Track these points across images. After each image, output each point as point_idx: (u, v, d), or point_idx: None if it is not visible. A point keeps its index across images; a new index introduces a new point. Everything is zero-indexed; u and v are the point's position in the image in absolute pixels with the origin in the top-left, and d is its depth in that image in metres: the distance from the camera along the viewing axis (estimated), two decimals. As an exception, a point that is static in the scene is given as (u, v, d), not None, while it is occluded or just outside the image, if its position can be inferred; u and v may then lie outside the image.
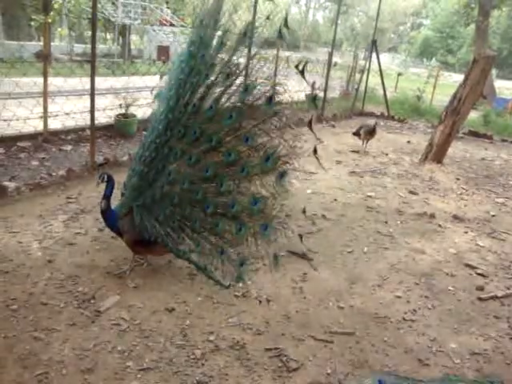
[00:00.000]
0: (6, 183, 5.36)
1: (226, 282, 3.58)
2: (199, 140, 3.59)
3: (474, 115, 14.11)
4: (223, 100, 3.61)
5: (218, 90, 3.64)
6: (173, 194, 3.60)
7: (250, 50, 3.74)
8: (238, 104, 3.54)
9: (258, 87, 3.49)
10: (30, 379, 2.75)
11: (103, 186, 3.84)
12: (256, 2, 8.86)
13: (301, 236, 4.29)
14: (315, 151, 3.56)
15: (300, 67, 3.53)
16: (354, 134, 9.86)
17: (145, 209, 3.69)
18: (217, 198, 3.55)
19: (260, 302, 3.76)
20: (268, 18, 4.13)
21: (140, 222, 3.67)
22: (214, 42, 3.74)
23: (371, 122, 9.91)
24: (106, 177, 3.82)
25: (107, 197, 3.80)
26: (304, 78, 3.52)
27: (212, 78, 3.66)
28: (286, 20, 3.68)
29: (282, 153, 3.38)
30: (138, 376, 2.88)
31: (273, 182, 3.40)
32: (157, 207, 3.65)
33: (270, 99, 3.43)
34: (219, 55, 3.71)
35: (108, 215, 3.83)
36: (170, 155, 3.66)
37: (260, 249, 3.44)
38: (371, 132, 9.43)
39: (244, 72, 3.63)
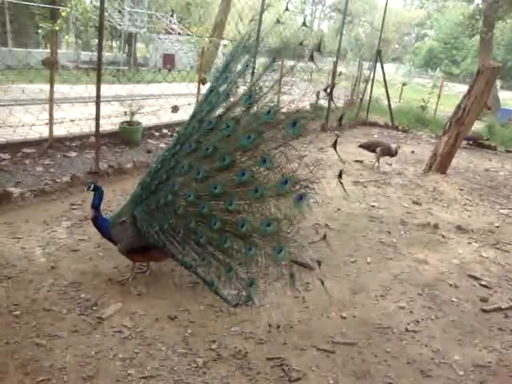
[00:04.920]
0: (11, 189, 5.39)
1: (233, 300, 3.45)
2: (211, 157, 3.53)
3: (478, 126, 14.11)
4: (243, 121, 3.54)
5: (238, 109, 3.59)
6: (177, 204, 3.56)
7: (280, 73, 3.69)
8: (259, 126, 3.46)
9: (282, 110, 3.46)
10: (32, 386, 2.75)
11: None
12: (261, 13, 8.92)
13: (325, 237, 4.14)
14: (340, 175, 3.52)
15: (328, 90, 3.58)
16: (361, 146, 9.63)
17: (148, 215, 3.69)
18: (225, 215, 3.46)
19: (270, 325, 3.64)
20: (279, 21, 4.11)
21: (143, 229, 3.67)
22: (239, 66, 3.72)
23: (380, 138, 9.82)
24: (92, 186, 3.88)
25: (95, 206, 3.85)
26: (332, 100, 3.54)
27: (232, 99, 3.63)
28: (319, 45, 3.75)
29: (300, 177, 3.28)
30: (140, 384, 2.88)
31: (289, 204, 3.28)
32: (161, 215, 3.63)
33: (295, 123, 3.37)
34: (243, 78, 3.68)
35: (99, 224, 3.89)
36: (176, 167, 3.64)
37: (273, 270, 3.32)
38: (389, 153, 9.15)
39: (267, 94, 3.55)
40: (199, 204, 3.50)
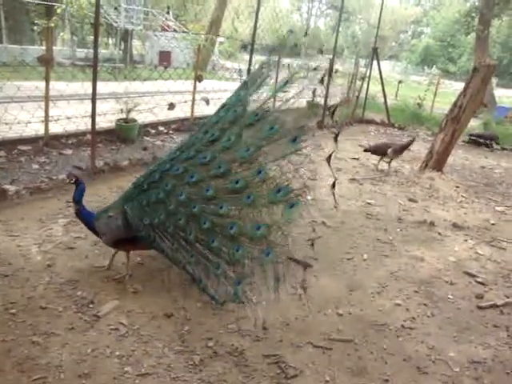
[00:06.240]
0: (7, 186, 5.37)
1: (221, 298, 3.50)
2: (207, 165, 3.63)
3: (474, 123, 14.15)
4: (245, 135, 3.66)
5: (242, 123, 3.72)
6: (168, 202, 3.62)
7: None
8: (260, 140, 3.60)
9: (285, 128, 3.60)
10: (28, 383, 2.75)
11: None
12: (258, 10, 8.90)
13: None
14: (333, 186, 3.65)
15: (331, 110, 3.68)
16: (367, 150, 9.17)
17: (139, 210, 3.73)
18: (215, 218, 3.54)
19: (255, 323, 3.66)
20: (291, 31, 4.22)
21: (134, 222, 3.71)
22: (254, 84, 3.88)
23: (384, 140, 9.59)
24: (73, 179, 3.90)
25: (76, 200, 3.86)
26: (332, 118, 3.62)
27: (239, 113, 3.77)
28: (330, 71, 3.95)
29: (295, 186, 3.41)
30: (136, 381, 2.88)
31: (281, 211, 3.39)
32: (151, 210, 3.68)
33: (295, 139, 3.51)
34: (254, 96, 3.82)
35: (82, 216, 3.91)
36: (171, 170, 3.73)
37: (260, 271, 3.38)
38: (402, 150, 8.78)
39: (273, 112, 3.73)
40: (190, 204, 3.56)
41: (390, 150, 8.65)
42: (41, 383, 2.77)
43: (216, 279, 3.46)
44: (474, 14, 25.18)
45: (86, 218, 3.90)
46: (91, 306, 3.54)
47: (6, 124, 6.90)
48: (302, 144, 3.51)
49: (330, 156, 3.68)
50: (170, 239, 3.62)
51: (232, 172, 3.58)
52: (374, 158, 9.15)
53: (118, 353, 3.10)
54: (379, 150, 8.92)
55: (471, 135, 13.59)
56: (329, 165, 3.62)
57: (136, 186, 3.88)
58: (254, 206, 3.47)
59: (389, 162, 8.87)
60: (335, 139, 3.61)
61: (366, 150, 9.25)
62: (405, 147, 8.82)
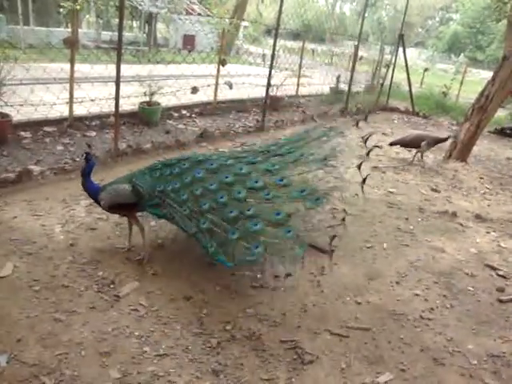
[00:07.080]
0: (32, 167, 5.47)
1: (233, 261, 3.54)
2: (229, 166, 3.89)
3: (501, 113, 13.84)
4: (274, 159, 4.03)
5: (272, 154, 4.13)
6: (185, 175, 3.82)
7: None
8: (288, 163, 3.98)
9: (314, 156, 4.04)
10: (50, 358, 2.83)
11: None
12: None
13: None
14: (364, 181, 3.89)
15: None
16: (394, 144, 8.68)
17: (150, 181, 3.88)
18: (232, 200, 3.67)
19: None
20: None
21: (144, 190, 3.83)
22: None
23: (418, 131, 9.34)
24: (85, 156, 3.97)
25: (83, 174, 3.96)
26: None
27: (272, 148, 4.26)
28: (368, 152, 4.35)
29: (320, 188, 3.76)
30: (155, 361, 2.93)
31: (304, 204, 3.65)
32: (165, 181, 3.85)
33: (325, 159, 3.97)
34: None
35: (86, 187, 4.00)
36: (191, 158, 4.00)
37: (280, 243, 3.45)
38: (435, 143, 8.38)
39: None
40: (207, 182, 3.75)
41: (423, 144, 8.25)
42: (63, 359, 2.84)
43: (230, 244, 3.51)
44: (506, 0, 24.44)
45: (89, 188, 4.00)
46: (112, 286, 3.60)
47: (32, 105, 7.00)
48: (330, 162, 3.91)
49: (360, 164, 3.88)
50: (182, 206, 3.72)
51: (253, 176, 3.79)
52: (398, 147, 8.97)
53: (137, 333, 3.15)
54: (412, 143, 8.43)
55: (503, 128, 13.27)
56: (359, 170, 3.83)
57: (149, 167, 4.07)
58: (272, 202, 3.64)
59: (419, 153, 8.48)
60: (357, 124, 3.83)
61: (392, 144, 8.73)
62: (438, 141, 8.42)
